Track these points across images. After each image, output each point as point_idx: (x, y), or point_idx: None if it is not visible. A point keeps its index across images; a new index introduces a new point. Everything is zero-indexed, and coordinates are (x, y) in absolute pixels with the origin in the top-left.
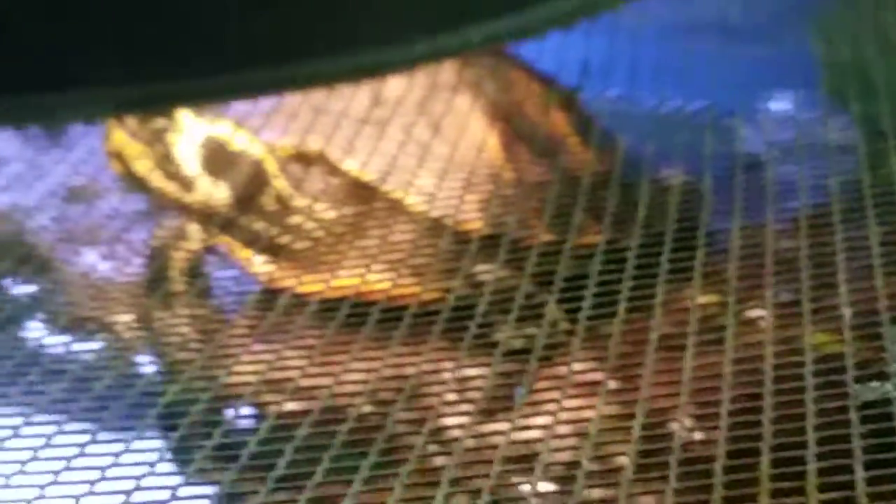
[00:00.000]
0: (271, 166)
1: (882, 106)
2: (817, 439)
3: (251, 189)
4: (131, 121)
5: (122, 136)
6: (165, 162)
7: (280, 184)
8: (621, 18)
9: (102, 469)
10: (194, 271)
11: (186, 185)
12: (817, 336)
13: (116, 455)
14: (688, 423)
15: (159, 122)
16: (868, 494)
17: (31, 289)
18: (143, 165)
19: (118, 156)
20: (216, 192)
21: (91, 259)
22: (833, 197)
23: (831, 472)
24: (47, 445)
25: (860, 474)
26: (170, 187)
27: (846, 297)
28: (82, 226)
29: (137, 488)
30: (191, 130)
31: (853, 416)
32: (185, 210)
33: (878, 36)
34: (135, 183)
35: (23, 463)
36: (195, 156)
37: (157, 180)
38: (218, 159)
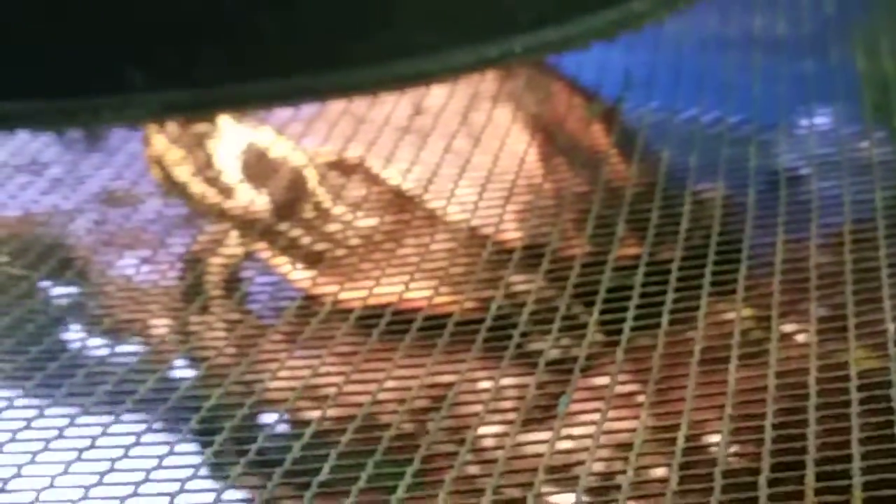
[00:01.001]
0: (311, 174)
1: None
2: (862, 454)
3: (291, 197)
4: (172, 126)
5: (163, 141)
6: (206, 168)
7: (320, 192)
8: (664, 30)
9: (147, 471)
10: (233, 278)
11: (226, 191)
12: (860, 351)
13: (160, 458)
14: (731, 436)
15: (200, 128)
16: None
17: (71, 292)
18: (184, 171)
19: (158, 161)
20: (256, 200)
21: (132, 263)
22: (876, 212)
23: (877, 486)
24: (92, 447)
25: None
26: (209, 193)
27: (890, 313)
28: (123, 230)
29: (182, 491)
30: (232, 137)
31: None
32: (225, 217)
33: None
34: (174, 189)
35: (68, 464)
36: (236, 162)
37: (197, 186)
38: (258, 166)
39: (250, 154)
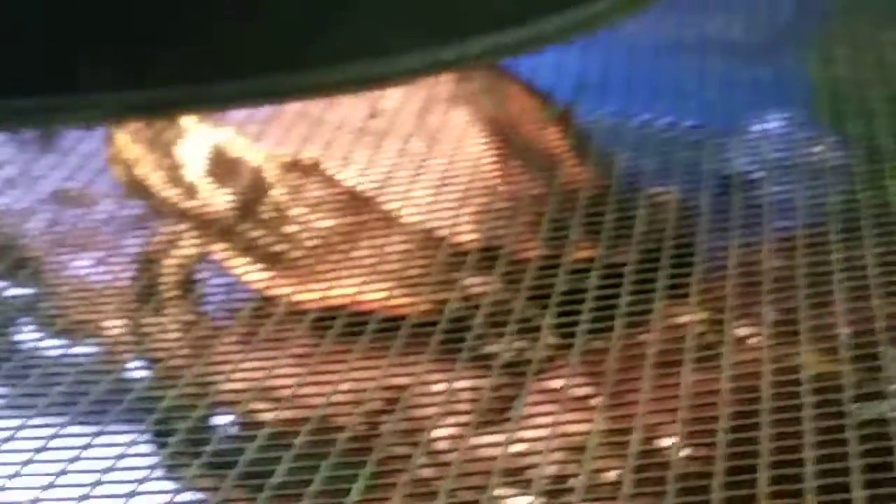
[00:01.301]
0: (270, 175)
1: (878, 126)
2: (815, 458)
3: (250, 196)
4: (134, 126)
5: (125, 140)
6: (167, 167)
7: (277, 192)
8: (619, 34)
9: (101, 472)
10: (188, 279)
11: (188, 190)
12: (812, 355)
13: (115, 459)
14: (684, 439)
15: (162, 128)
16: None
17: (25, 293)
18: (145, 170)
19: (120, 160)
20: (216, 199)
21: (85, 264)
22: (829, 216)
23: (830, 490)
24: (45, 449)
25: (858, 493)
26: (170, 192)
27: (843, 317)
28: (77, 231)
29: (134, 493)
30: (193, 137)
31: (850, 434)
32: (185, 216)
33: (876, 56)
34: (136, 188)
35: (22, 465)
36: (197, 162)
37: (159, 185)
38: (219, 166)
39: (211, 154)
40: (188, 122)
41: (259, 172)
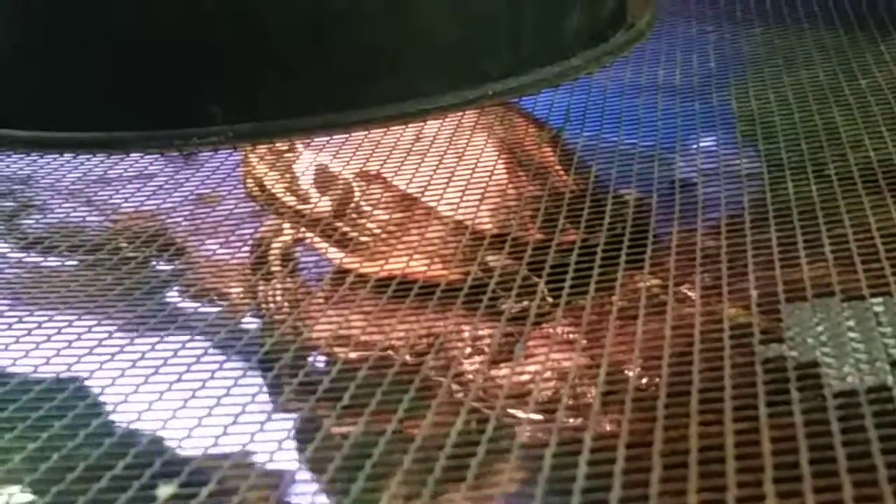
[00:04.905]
0: (356, 185)
1: (780, 144)
2: (732, 385)
3: (343, 199)
4: (261, 151)
5: (255, 161)
6: (287, 180)
7: (357, 196)
8: (594, 79)
9: (227, 388)
10: (287, 256)
11: (301, 197)
12: (732, 310)
13: (232, 383)
14: (638, 371)
15: (282, 151)
16: (768, 425)
17: (170, 267)
18: (271, 183)
19: (252, 176)
20: (320, 203)
21: (213, 246)
22: (744, 209)
23: (742, 408)
24: (179, 380)
25: (763, 410)
26: (289, 199)
27: (753, 282)
28: (207, 222)
29: (246, 405)
30: (304, 156)
31: (758, 368)
32: (298, 215)
33: (777, 94)
34: (264, 197)
35: (161, 393)
36: (307, 175)
37: (281, 194)
38: (321, 178)
39: (317, 169)
40: (301, 146)
41: (347, 182)
